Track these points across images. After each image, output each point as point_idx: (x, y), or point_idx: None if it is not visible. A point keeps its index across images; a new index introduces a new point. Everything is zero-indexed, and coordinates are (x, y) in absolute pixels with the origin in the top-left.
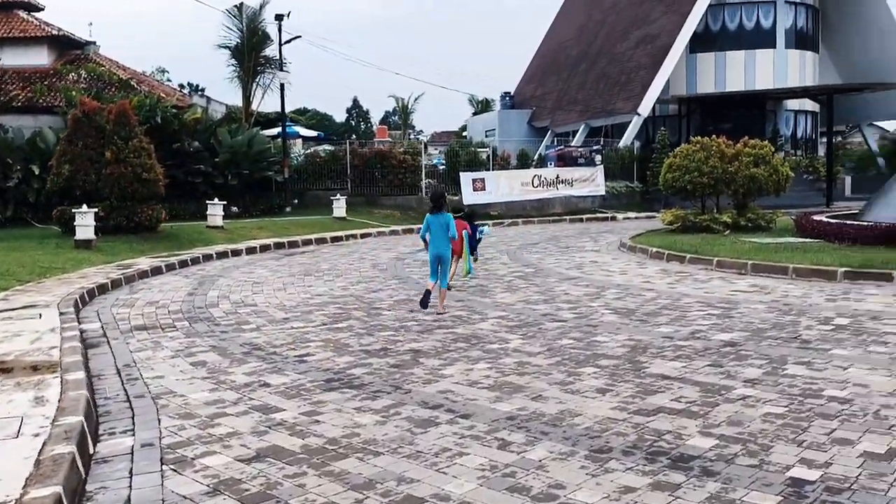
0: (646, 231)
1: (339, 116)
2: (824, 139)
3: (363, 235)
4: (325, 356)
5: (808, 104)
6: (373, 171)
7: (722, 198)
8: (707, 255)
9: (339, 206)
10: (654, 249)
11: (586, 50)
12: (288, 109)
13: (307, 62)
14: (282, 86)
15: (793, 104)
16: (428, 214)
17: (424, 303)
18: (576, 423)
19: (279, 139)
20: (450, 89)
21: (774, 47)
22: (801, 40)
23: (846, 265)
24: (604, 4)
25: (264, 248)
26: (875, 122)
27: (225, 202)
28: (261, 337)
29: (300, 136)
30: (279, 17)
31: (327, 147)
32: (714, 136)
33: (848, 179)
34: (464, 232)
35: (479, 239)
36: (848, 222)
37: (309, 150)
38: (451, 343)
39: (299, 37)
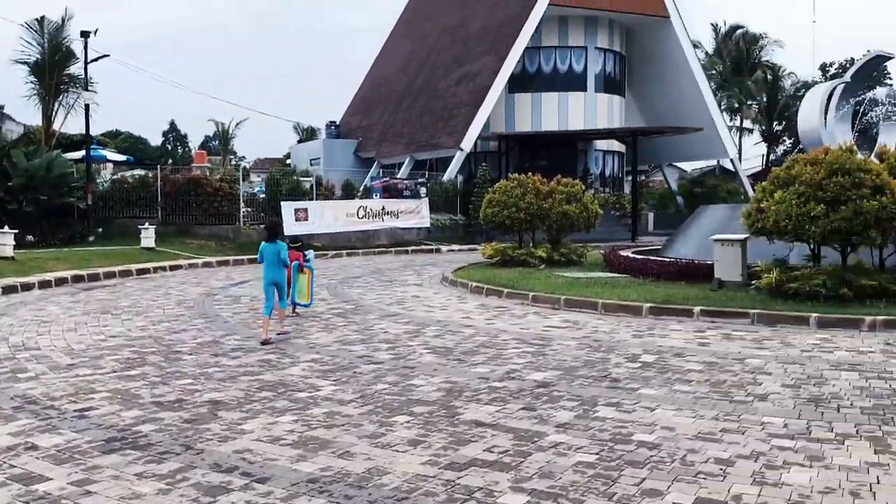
0: (468, 264)
1: (156, 140)
2: (630, 178)
3: (173, 268)
4: (110, 410)
5: (616, 145)
6: (186, 199)
7: (538, 232)
8: (523, 289)
9: (148, 236)
10: (475, 284)
11: (411, 84)
12: (97, 131)
13: (120, 82)
14: (87, 106)
15: (602, 144)
16: (263, 242)
17: (266, 341)
18: (384, 482)
19: (84, 163)
20: (272, 115)
21: (585, 90)
22: (609, 85)
23: (650, 301)
24: (427, 41)
25: (60, 282)
26: (674, 163)
27: (17, 230)
28: (38, 388)
29: (108, 161)
30: (85, 35)
31: (137, 172)
32: (530, 173)
33: (651, 216)
34: (294, 264)
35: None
36: (652, 258)
37: (117, 176)
38: (255, 392)
39: (107, 55)
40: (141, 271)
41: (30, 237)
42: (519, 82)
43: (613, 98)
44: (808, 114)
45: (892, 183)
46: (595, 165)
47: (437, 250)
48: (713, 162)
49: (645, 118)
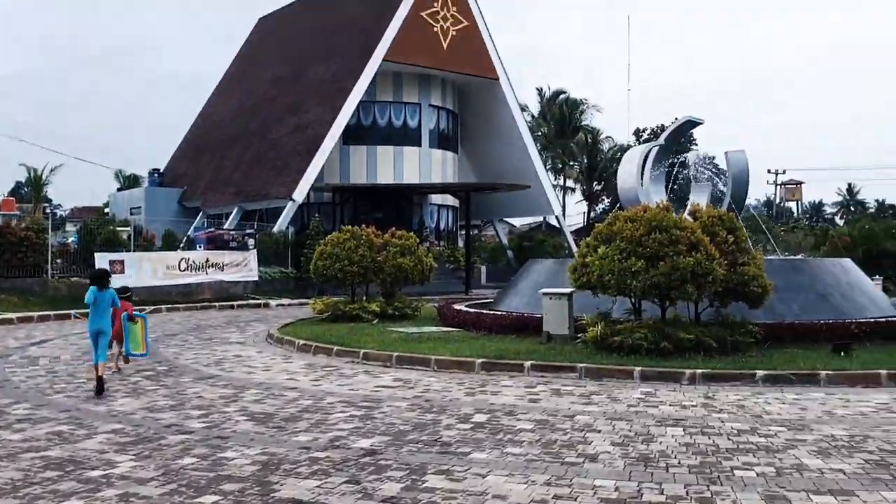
0: (297, 320)
1: None
2: (463, 232)
3: None
4: None
5: (450, 199)
6: None
7: (371, 286)
8: (354, 346)
9: None
10: (302, 341)
11: (242, 132)
12: None
13: None
14: None
15: (436, 198)
16: (95, 290)
17: (100, 386)
18: None
19: None
20: (88, 161)
21: (420, 145)
22: (443, 141)
23: (483, 356)
24: (260, 88)
25: None
26: (504, 219)
27: None
28: None
29: None
30: None
31: None
32: (365, 225)
33: (484, 269)
34: (123, 315)
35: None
36: (484, 312)
37: None
38: (37, 473)
39: None
40: None
41: None
42: (354, 134)
43: (447, 154)
44: (627, 174)
45: (705, 240)
46: (430, 219)
47: (266, 305)
48: (540, 218)
49: (477, 174)
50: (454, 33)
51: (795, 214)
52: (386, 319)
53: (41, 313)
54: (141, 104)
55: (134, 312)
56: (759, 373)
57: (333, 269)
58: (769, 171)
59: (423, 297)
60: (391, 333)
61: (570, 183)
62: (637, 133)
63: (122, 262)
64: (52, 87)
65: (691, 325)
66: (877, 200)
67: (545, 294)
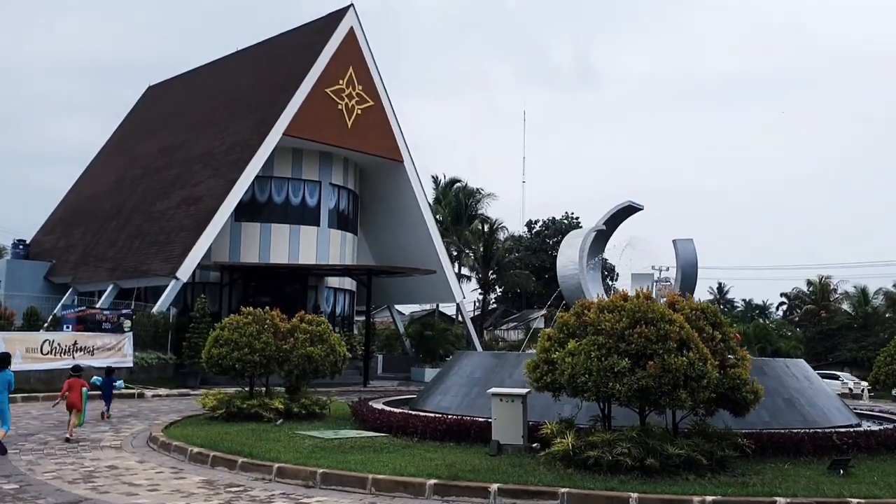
0: (182, 417)
1: None
2: (361, 317)
3: None
4: None
5: (348, 283)
6: None
7: (272, 377)
8: (264, 458)
9: None
10: (195, 449)
11: (121, 205)
12: None
13: None
14: None
15: (333, 281)
16: None
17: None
18: None
19: None
20: None
21: (318, 225)
22: (342, 221)
23: (433, 475)
24: (143, 160)
25: None
26: (396, 305)
27: None
28: None
29: None
30: None
31: None
32: (261, 307)
33: (380, 358)
34: (83, 389)
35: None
36: (412, 413)
37: None
38: None
39: None
40: None
41: None
42: (247, 211)
43: (346, 235)
44: (567, 260)
45: (695, 336)
46: (326, 303)
47: (141, 395)
48: (431, 305)
49: (375, 257)
50: (359, 112)
51: None
52: (291, 419)
53: None
54: (8, 175)
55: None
56: (781, 501)
57: (231, 359)
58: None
59: (318, 388)
60: (304, 439)
61: (465, 271)
62: (529, 224)
63: None
64: None
65: (676, 438)
66: (744, 300)
67: (495, 395)
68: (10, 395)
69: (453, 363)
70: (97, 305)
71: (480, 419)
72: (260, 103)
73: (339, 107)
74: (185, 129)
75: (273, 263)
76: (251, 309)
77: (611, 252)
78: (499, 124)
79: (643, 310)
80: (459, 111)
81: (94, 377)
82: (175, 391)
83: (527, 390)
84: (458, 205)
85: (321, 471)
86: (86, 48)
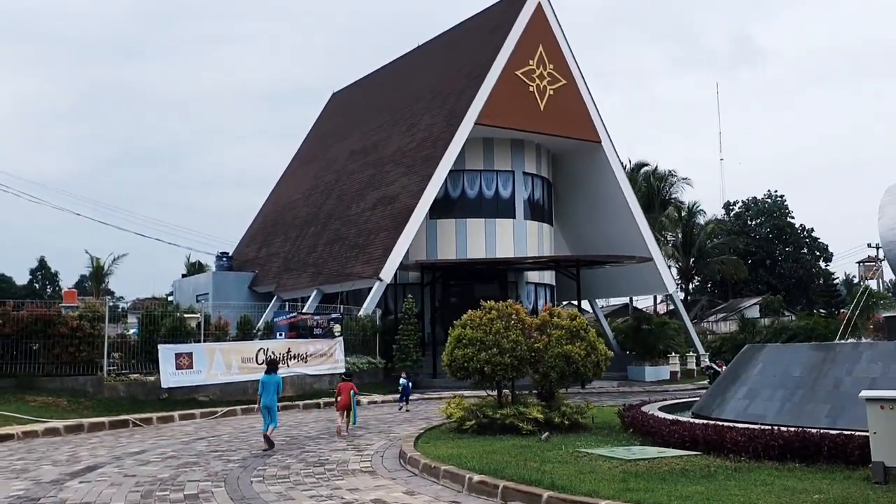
0: (424, 430)
1: (22, 278)
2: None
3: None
4: None
5: (547, 277)
6: (31, 342)
7: (518, 381)
8: (575, 491)
9: None
10: (476, 478)
11: (317, 211)
12: None
13: None
14: None
15: (533, 276)
16: (263, 375)
17: (269, 443)
18: None
19: None
20: (153, 238)
21: (514, 217)
22: (537, 212)
23: None
24: (335, 166)
25: None
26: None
27: None
28: None
29: None
30: None
31: None
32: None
33: None
34: (351, 392)
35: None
36: (728, 425)
37: None
38: None
39: None
40: None
41: None
42: (441, 207)
43: (543, 226)
44: (893, 223)
45: None
46: (527, 300)
47: (357, 403)
48: (623, 299)
49: (571, 249)
50: (551, 92)
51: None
52: (552, 430)
53: (93, 420)
54: (199, 199)
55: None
56: None
57: (478, 361)
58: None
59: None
60: (596, 460)
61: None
62: (727, 206)
63: (189, 354)
64: (109, 187)
65: None
66: None
67: (873, 400)
68: (229, 407)
69: (747, 360)
70: (305, 311)
71: (832, 431)
72: (448, 95)
73: (531, 89)
74: (374, 131)
75: (474, 259)
76: (492, 303)
77: None
78: (671, 110)
79: None
80: (618, 100)
81: (402, 379)
82: (389, 397)
83: None
84: (648, 190)
85: None
86: (255, 75)
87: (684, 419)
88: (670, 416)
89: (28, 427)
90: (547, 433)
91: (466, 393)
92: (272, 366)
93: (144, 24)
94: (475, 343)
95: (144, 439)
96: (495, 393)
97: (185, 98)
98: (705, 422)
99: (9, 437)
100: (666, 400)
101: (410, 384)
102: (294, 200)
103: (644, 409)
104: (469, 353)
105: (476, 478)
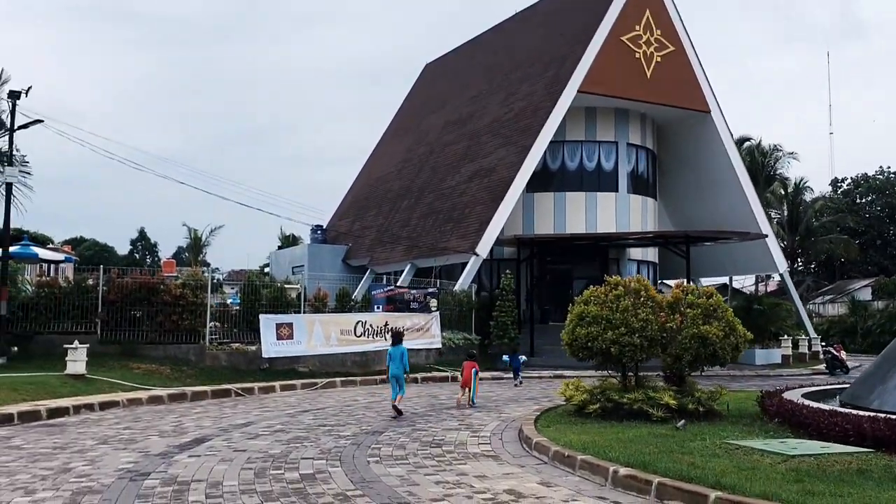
0: (539, 411)
1: (123, 248)
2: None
3: (105, 405)
4: None
5: (650, 254)
6: (134, 309)
7: (643, 364)
8: (747, 493)
9: (77, 358)
10: (623, 471)
11: (410, 184)
12: (62, 237)
13: (89, 185)
14: (8, 186)
15: (635, 254)
16: (390, 347)
17: (397, 410)
18: None
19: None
20: (254, 208)
21: (616, 191)
22: (641, 185)
23: None
24: (428, 138)
25: None
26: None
27: None
28: None
29: (41, 260)
30: (13, 95)
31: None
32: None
33: None
34: (472, 370)
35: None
36: (893, 417)
37: (46, 278)
38: None
39: (41, 121)
40: (55, 412)
41: None
42: (539, 179)
43: (647, 200)
44: None
45: None
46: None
47: (455, 379)
48: (724, 279)
49: (675, 224)
50: (658, 59)
51: None
52: (685, 417)
53: (196, 389)
54: (294, 176)
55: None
56: None
57: (603, 341)
58: None
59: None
60: (751, 454)
61: None
62: (834, 184)
63: (290, 325)
64: (204, 164)
65: None
66: None
67: None
68: (329, 378)
69: None
70: (399, 284)
71: None
72: (549, 62)
73: (637, 56)
74: (469, 101)
75: (576, 234)
76: (617, 278)
77: None
78: (771, 85)
79: None
80: (714, 74)
81: (504, 356)
82: (487, 374)
83: None
84: (752, 165)
85: None
86: (353, 53)
87: (844, 410)
88: (826, 407)
89: (132, 394)
90: (683, 421)
91: (568, 373)
92: (397, 337)
93: (243, 4)
94: (600, 321)
95: (249, 410)
96: (619, 375)
97: (282, 76)
98: (873, 414)
99: (114, 403)
100: (788, 386)
101: (522, 358)
102: (387, 174)
103: (786, 396)
104: (593, 331)
105: (622, 471)
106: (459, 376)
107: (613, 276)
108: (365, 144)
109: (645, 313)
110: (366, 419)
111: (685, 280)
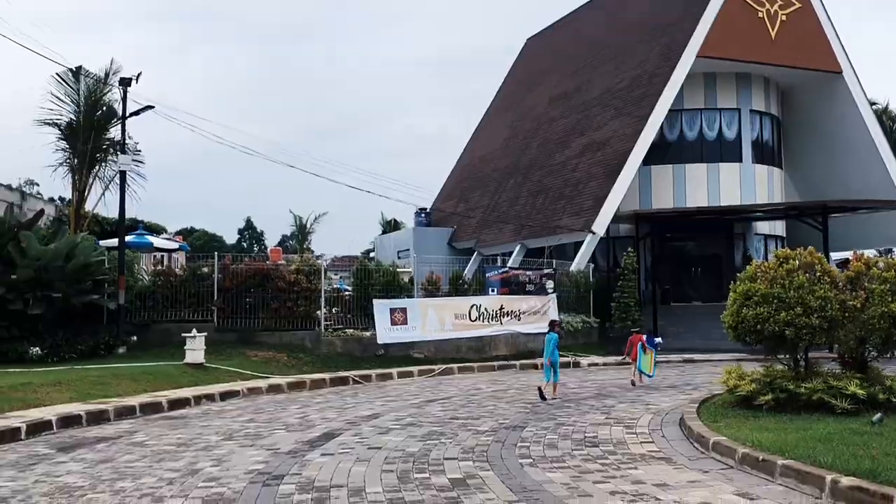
0: (696, 402)
1: (231, 237)
2: None
3: (225, 395)
4: None
5: (779, 228)
6: (249, 296)
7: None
8: None
9: (195, 347)
10: (844, 480)
11: (517, 162)
12: (175, 227)
13: (202, 179)
14: (122, 175)
15: (762, 227)
16: (549, 332)
17: (542, 396)
18: None
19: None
20: (362, 191)
21: (740, 161)
22: (766, 154)
23: None
24: (533, 113)
25: (41, 428)
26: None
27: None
28: None
29: (155, 249)
30: (124, 83)
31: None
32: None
33: None
34: (638, 344)
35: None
36: None
37: (161, 267)
38: None
39: (151, 107)
40: (175, 404)
41: (35, 349)
42: (656, 151)
43: (773, 170)
44: None
45: None
46: (756, 254)
47: (577, 364)
48: (847, 253)
49: (801, 195)
50: (783, 18)
51: None
52: (879, 410)
53: (314, 376)
54: (394, 165)
55: (648, 346)
56: None
57: (775, 322)
58: None
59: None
60: None
61: None
62: None
63: (404, 310)
64: (305, 153)
65: None
66: None
67: None
68: (446, 365)
69: None
70: (513, 267)
71: None
72: (664, 27)
73: (760, 15)
74: (575, 74)
75: (700, 208)
76: (786, 250)
77: None
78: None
79: None
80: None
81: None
82: (608, 359)
83: None
84: (884, 133)
85: None
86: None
87: None
88: None
89: (252, 383)
90: (879, 414)
91: (697, 356)
92: (552, 325)
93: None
94: (771, 300)
95: (371, 399)
96: (788, 361)
97: (371, 70)
98: None
99: (235, 393)
100: None
101: (657, 340)
102: (491, 152)
103: None
104: (764, 312)
105: (845, 481)
106: (627, 356)
107: (747, 254)
108: (459, 133)
109: (823, 290)
110: (498, 411)
111: (826, 256)
